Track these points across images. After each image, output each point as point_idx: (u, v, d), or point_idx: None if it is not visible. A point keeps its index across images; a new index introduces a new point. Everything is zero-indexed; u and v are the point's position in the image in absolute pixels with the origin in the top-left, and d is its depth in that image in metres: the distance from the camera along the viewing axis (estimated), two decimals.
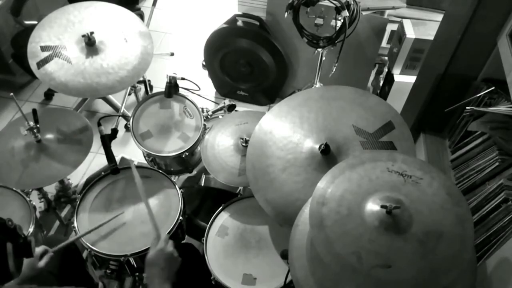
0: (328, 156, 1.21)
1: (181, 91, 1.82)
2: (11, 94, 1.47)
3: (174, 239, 1.49)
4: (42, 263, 1.18)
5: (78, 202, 1.51)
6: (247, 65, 2.56)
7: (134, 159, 2.34)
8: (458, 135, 1.74)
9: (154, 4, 2.57)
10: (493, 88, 1.55)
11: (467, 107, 1.61)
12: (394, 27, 2.32)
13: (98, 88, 1.53)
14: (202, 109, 1.83)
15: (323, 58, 2.11)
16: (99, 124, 1.56)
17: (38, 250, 1.20)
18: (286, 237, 1.12)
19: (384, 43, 2.43)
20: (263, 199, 1.25)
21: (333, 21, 1.95)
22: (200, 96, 1.95)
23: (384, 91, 2.45)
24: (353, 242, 0.91)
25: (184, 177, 2.10)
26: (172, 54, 3.05)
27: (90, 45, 1.58)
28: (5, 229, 0.89)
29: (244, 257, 1.40)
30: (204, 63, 2.73)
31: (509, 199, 1.30)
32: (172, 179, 1.61)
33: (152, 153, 1.69)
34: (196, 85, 1.88)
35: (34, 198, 1.66)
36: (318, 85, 2.26)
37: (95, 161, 2.41)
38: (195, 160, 1.85)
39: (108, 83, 1.54)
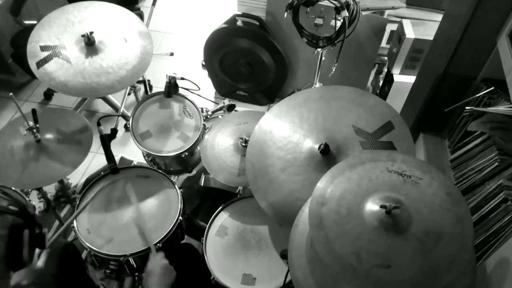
0: (327, 156, 1.21)
1: (180, 91, 1.82)
2: (11, 94, 1.47)
3: (173, 239, 1.49)
4: (40, 262, 1.17)
5: (78, 202, 1.51)
6: (247, 65, 2.56)
7: (134, 159, 2.35)
8: (458, 135, 1.74)
9: (153, 4, 2.57)
10: (492, 88, 1.55)
11: (466, 107, 1.61)
12: (394, 27, 2.32)
13: (98, 88, 1.53)
14: (202, 109, 1.83)
15: (323, 58, 2.12)
16: (98, 124, 1.56)
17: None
18: (285, 237, 1.12)
19: (383, 43, 2.43)
20: (262, 199, 1.25)
21: (333, 21, 1.95)
22: (200, 96, 1.95)
23: (383, 91, 2.45)
24: (352, 242, 0.91)
25: (183, 177, 2.10)
26: (171, 54, 3.05)
27: (90, 45, 1.58)
28: (25, 214, 0.89)
29: (244, 257, 1.40)
30: (203, 63, 2.73)
31: (508, 199, 1.30)
32: (172, 179, 1.61)
33: (152, 153, 1.69)
34: (196, 85, 1.88)
35: (34, 198, 1.66)
36: (317, 85, 2.26)
37: (95, 161, 2.41)
38: (195, 160, 1.85)
39: (108, 83, 1.54)
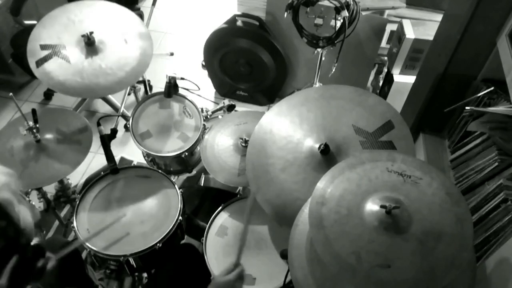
0: (327, 156, 1.21)
1: (180, 91, 1.82)
2: (11, 94, 1.47)
3: (173, 239, 1.49)
4: (50, 265, 1.16)
5: (78, 202, 1.51)
6: (247, 65, 2.56)
7: (134, 159, 2.35)
8: (458, 135, 1.74)
9: (153, 4, 2.57)
10: (492, 88, 1.55)
11: (466, 107, 1.61)
12: (394, 27, 2.32)
13: (96, 88, 1.53)
14: (202, 109, 1.83)
15: (323, 58, 2.12)
16: (98, 124, 1.56)
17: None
18: (285, 237, 1.12)
19: (383, 43, 2.44)
20: (262, 199, 1.24)
21: (333, 21, 1.95)
22: (200, 96, 1.95)
23: (383, 91, 2.45)
24: (352, 242, 0.91)
25: (183, 177, 2.10)
26: (171, 54, 3.06)
27: (90, 45, 1.58)
28: (16, 242, 0.83)
29: (244, 257, 1.40)
30: (203, 63, 2.74)
31: (508, 199, 1.30)
32: (172, 179, 1.60)
33: (152, 153, 1.69)
34: (196, 85, 1.88)
35: (34, 198, 1.66)
36: (317, 85, 2.26)
37: (95, 161, 2.41)
38: (195, 160, 1.85)
39: (106, 84, 1.54)
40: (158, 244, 1.40)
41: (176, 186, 1.57)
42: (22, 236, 0.85)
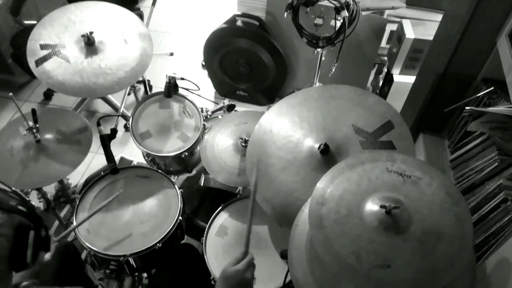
0: (327, 156, 1.21)
1: (180, 91, 1.82)
2: (10, 94, 1.47)
3: (173, 239, 1.49)
4: (48, 255, 1.17)
5: (78, 202, 1.51)
6: (247, 65, 2.56)
7: (134, 159, 2.35)
8: (458, 135, 1.74)
9: (153, 4, 2.57)
10: (492, 88, 1.55)
11: (466, 107, 1.61)
12: (394, 27, 2.32)
13: (95, 88, 1.53)
14: (202, 109, 1.83)
15: (323, 58, 2.12)
16: (98, 124, 1.56)
17: None
18: (285, 237, 1.12)
19: (383, 43, 2.44)
20: (262, 199, 1.24)
21: (333, 21, 1.95)
22: (200, 96, 1.95)
23: (383, 91, 2.45)
24: (352, 242, 0.91)
25: (183, 177, 2.10)
26: (171, 54, 3.05)
27: (90, 45, 1.58)
28: (33, 216, 0.88)
29: None
30: (203, 63, 2.73)
31: (508, 199, 1.30)
32: (172, 179, 1.61)
33: (152, 153, 1.69)
34: (196, 85, 1.88)
35: (34, 198, 1.66)
36: (317, 85, 2.26)
37: (95, 161, 2.41)
38: (195, 160, 1.85)
39: (106, 84, 1.54)
40: (158, 244, 1.40)
41: (176, 186, 1.57)
42: (35, 211, 0.90)
